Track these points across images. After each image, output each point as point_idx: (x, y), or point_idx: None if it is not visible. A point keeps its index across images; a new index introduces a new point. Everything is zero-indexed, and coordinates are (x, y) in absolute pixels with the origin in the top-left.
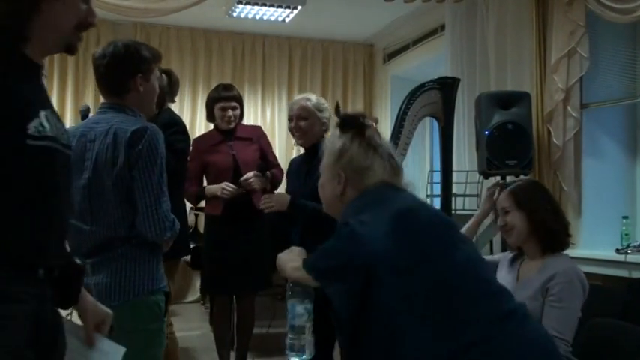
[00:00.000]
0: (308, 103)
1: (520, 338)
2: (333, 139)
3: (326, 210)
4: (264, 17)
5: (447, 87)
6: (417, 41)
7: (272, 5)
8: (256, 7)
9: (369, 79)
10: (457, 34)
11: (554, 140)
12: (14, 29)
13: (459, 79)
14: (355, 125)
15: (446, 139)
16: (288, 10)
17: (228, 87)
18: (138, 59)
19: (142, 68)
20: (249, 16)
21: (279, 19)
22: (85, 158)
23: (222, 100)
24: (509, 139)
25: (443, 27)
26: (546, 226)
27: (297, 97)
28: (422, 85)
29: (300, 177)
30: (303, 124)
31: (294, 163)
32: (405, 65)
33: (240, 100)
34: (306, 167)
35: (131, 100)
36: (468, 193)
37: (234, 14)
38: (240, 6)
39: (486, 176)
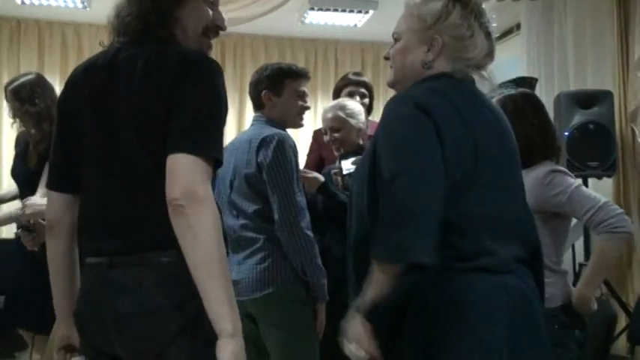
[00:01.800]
0: (339, 112)
1: None
2: (424, 2)
3: (394, 80)
4: (336, 23)
5: (524, 87)
6: None
7: (344, 10)
8: (328, 13)
9: None
10: (534, 32)
11: None
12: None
13: (536, 79)
14: None
15: None
16: (360, 15)
17: (357, 73)
18: (266, 78)
19: (270, 85)
20: (321, 22)
21: (351, 24)
22: (229, 161)
23: (352, 85)
24: (591, 140)
25: (518, 26)
26: (527, 140)
27: (328, 105)
28: (498, 86)
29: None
30: (338, 135)
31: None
32: None
33: (370, 89)
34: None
35: (268, 112)
36: None
37: (307, 21)
38: (313, 12)
39: None
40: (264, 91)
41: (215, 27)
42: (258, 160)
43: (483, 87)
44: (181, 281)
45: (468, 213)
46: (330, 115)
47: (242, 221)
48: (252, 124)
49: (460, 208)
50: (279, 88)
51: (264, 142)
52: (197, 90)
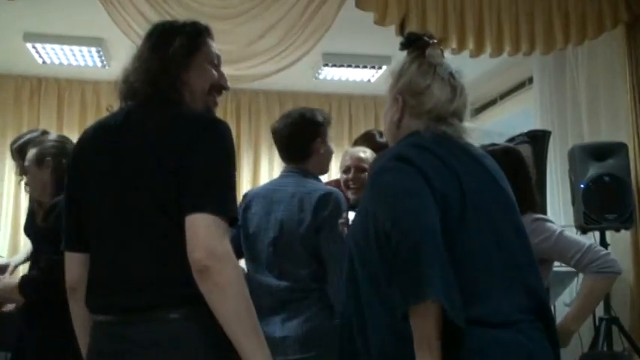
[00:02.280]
0: (364, 155)
1: None
2: (396, 63)
3: (385, 137)
4: (350, 78)
5: (537, 140)
6: (504, 95)
7: (357, 66)
8: (342, 69)
9: None
10: (546, 86)
11: None
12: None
13: (549, 132)
14: (417, 44)
15: (538, 194)
16: (373, 70)
17: (382, 133)
18: (315, 124)
19: (320, 132)
20: (335, 77)
21: (365, 79)
22: (271, 217)
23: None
24: (607, 192)
25: (530, 80)
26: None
27: (350, 149)
28: (511, 139)
29: None
30: (363, 175)
31: None
32: (493, 119)
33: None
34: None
35: (312, 163)
36: None
37: (321, 76)
38: (327, 68)
39: (584, 231)
40: (317, 139)
41: (219, 86)
42: (317, 219)
43: (471, 137)
44: (192, 338)
45: (457, 259)
46: (362, 155)
47: (288, 283)
48: (287, 176)
49: (449, 254)
50: (326, 136)
51: (322, 201)
52: (210, 152)
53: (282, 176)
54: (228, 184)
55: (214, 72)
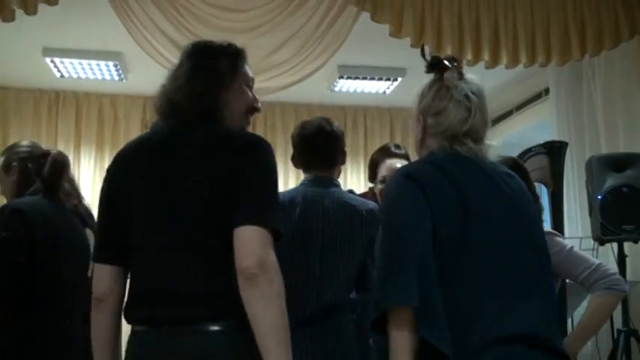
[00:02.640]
0: (400, 165)
1: None
2: (420, 85)
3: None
4: (365, 90)
5: (554, 151)
6: (520, 106)
7: (373, 78)
8: (357, 81)
9: None
10: (562, 97)
11: None
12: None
13: (566, 143)
14: (438, 67)
15: (556, 205)
16: (388, 82)
17: (397, 146)
18: (342, 136)
19: (344, 144)
20: (351, 89)
21: (380, 91)
22: (317, 223)
23: (392, 157)
24: (625, 203)
25: (547, 91)
26: None
27: (387, 160)
28: (528, 150)
29: None
30: None
31: None
32: (509, 131)
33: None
34: None
35: (336, 172)
36: None
37: (336, 89)
38: (342, 81)
39: (602, 242)
40: (345, 148)
41: (253, 108)
42: (368, 236)
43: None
44: (231, 351)
45: (454, 275)
46: (398, 166)
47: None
48: (323, 182)
49: (446, 270)
50: None
51: (374, 216)
52: (257, 168)
53: (310, 183)
54: (275, 200)
55: (250, 94)
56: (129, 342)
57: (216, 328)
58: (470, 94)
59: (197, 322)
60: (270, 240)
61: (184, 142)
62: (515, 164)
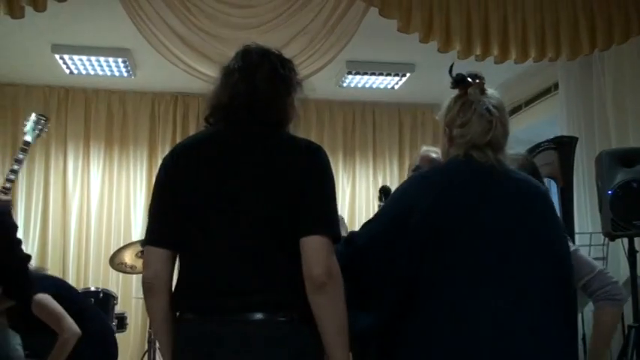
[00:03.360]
0: (435, 155)
1: None
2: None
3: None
4: (374, 86)
5: (564, 146)
6: (529, 101)
7: (381, 74)
8: (366, 77)
9: None
10: (572, 92)
11: None
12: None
13: (576, 138)
14: (462, 84)
15: (566, 201)
16: (397, 78)
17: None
18: None
19: None
20: (359, 85)
21: (389, 86)
22: None
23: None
24: (636, 198)
25: (556, 86)
26: None
27: (423, 147)
28: (537, 146)
29: None
30: None
31: None
32: (518, 126)
33: None
34: None
35: None
36: (592, 256)
37: (345, 84)
38: (350, 76)
39: (612, 238)
40: None
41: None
42: None
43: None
44: (284, 340)
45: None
46: (429, 154)
47: None
48: None
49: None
50: None
51: None
52: (320, 177)
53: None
54: (335, 207)
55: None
56: (177, 329)
57: (259, 316)
58: (491, 107)
59: (249, 312)
60: (333, 248)
61: (248, 144)
62: (527, 163)
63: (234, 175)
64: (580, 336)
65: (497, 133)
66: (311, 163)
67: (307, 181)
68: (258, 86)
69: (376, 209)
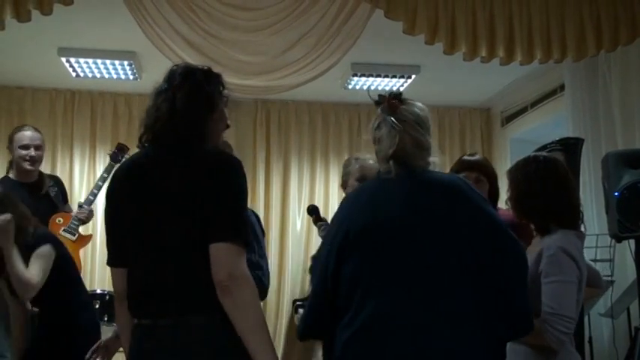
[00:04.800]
0: (372, 162)
1: None
2: None
3: None
4: (379, 87)
5: (570, 148)
6: (535, 103)
7: (387, 76)
8: (371, 79)
9: (487, 144)
10: (578, 93)
11: None
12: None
13: (582, 140)
14: (377, 104)
15: None
16: (402, 80)
17: (471, 154)
18: None
19: None
20: (365, 87)
21: (394, 88)
22: None
23: (465, 170)
24: None
25: (562, 87)
26: (531, 205)
27: (360, 156)
28: (543, 147)
29: None
30: None
31: None
32: (524, 127)
33: (486, 171)
34: None
35: None
36: (599, 257)
37: (350, 86)
38: (356, 78)
39: (619, 239)
40: None
41: (227, 126)
42: None
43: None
44: (210, 341)
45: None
46: (368, 164)
47: None
48: None
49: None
50: None
51: None
52: (228, 188)
53: None
54: (242, 212)
55: (226, 113)
56: (132, 332)
57: (195, 321)
58: (394, 122)
59: (178, 315)
60: (240, 253)
61: (170, 165)
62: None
63: (153, 195)
64: (586, 338)
65: (403, 146)
66: (217, 174)
67: (215, 190)
68: (178, 106)
69: None
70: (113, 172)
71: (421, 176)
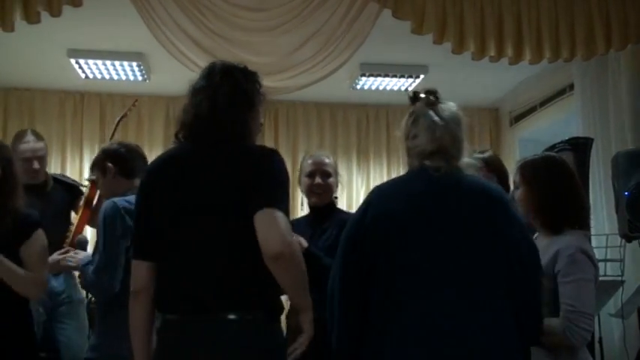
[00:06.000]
0: (329, 160)
1: None
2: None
3: None
4: (387, 88)
5: (579, 147)
6: (544, 102)
7: (394, 76)
8: (379, 79)
9: (495, 143)
10: (587, 92)
11: None
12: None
13: (592, 139)
14: (413, 100)
15: None
16: (410, 80)
17: (482, 151)
18: None
19: None
20: (373, 87)
21: (402, 88)
22: None
23: None
24: None
25: (571, 86)
26: (548, 204)
27: (314, 152)
28: (552, 147)
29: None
30: (330, 180)
31: (299, 224)
32: (533, 127)
33: (495, 166)
34: (310, 230)
35: None
36: (609, 257)
37: (358, 86)
38: (364, 78)
39: (629, 239)
40: None
41: (261, 124)
42: None
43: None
44: (246, 338)
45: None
46: (322, 159)
47: None
48: None
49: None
50: None
51: None
52: (271, 170)
53: None
54: (288, 197)
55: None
56: (160, 328)
57: (232, 317)
58: (436, 119)
59: (215, 311)
60: (286, 219)
61: (215, 161)
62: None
63: (195, 190)
64: (597, 339)
65: (444, 143)
66: (262, 161)
67: (259, 174)
68: (219, 105)
69: None
70: (147, 168)
71: (458, 175)
